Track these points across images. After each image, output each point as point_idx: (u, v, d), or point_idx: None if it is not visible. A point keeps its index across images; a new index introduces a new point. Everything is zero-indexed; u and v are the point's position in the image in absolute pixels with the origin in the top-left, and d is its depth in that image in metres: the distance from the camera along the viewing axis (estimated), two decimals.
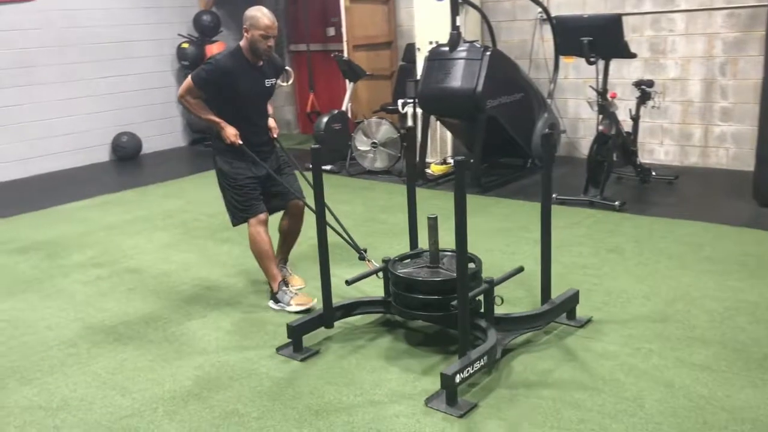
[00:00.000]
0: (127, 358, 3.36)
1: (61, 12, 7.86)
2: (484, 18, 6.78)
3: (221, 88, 3.70)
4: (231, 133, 3.74)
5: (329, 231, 3.44)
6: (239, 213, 3.87)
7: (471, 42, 6.09)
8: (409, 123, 7.26)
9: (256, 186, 3.85)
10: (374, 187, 6.50)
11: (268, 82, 3.86)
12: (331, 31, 9.09)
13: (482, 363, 2.89)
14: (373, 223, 5.32)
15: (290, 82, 8.54)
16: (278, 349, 3.36)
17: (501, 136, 6.19)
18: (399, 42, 8.33)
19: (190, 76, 3.74)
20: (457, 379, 2.76)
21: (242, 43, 3.73)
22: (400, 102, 7.24)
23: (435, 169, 6.72)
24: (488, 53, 5.84)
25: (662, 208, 5.30)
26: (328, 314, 3.35)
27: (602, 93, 5.33)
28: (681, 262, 4.19)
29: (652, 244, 4.54)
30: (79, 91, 8.06)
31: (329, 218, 3.61)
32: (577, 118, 7.12)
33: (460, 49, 5.97)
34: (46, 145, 7.87)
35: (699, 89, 6.33)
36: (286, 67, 8.42)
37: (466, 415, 2.75)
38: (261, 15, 3.64)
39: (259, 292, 4.08)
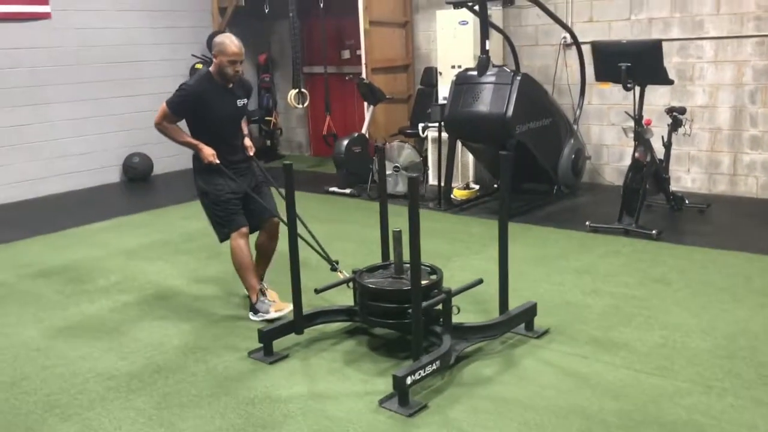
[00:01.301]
0: (170, 393, 3.20)
1: (76, 30, 7.75)
2: (509, 42, 6.73)
3: (195, 111, 3.89)
4: (208, 153, 3.89)
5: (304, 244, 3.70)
6: (222, 229, 4.02)
7: (500, 66, 6.02)
8: (429, 146, 7.17)
9: (237, 201, 4.00)
10: (397, 211, 6.31)
11: (239, 102, 4.03)
12: (346, 54, 9.02)
13: (434, 367, 3.06)
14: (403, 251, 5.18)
15: (305, 104, 8.44)
16: (250, 353, 3.52)
17: (525, 162, 6.09)
18: (416, 65, 8.26)
19: (165, 102, 3.90)
20: (409, 380, 2.94)
21: (212, 68, 3.91)
22: (420, 126, 7.16)
23: (458, 194, 6.61)
24: (519, 78, 5.77)
25: (699, 237, 5.20)
26: (299, 321, 3.53)
27: (638, 120, 5.25)
28: (732, 295, 4.07)
29: (697, 274, 4.43)
30: (91, 111, 7.93)
31: (303, 232, 3.85)
32: (601, 144, 7.04)
33: (489, 73, 5.89)
34: (58, 165, 7.72)
35: (727, 117, 6.28)
36: (302, 89, 8.34)
37: (415, 415, 2.91)
38: (229, 42, 3.81)
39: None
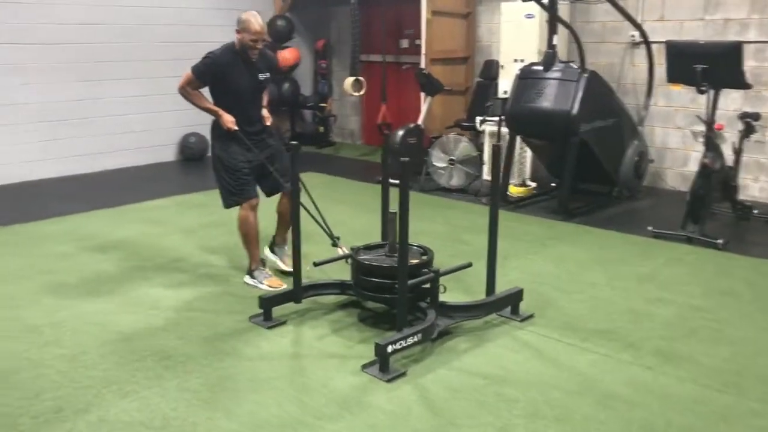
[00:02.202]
0: (225, 376, 3.19)
1: (139, 9, 7.83)
2: (576, 38, 6.52)
3: (218, 79, 4.07)
4: (228, 119, 4.05)
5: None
6: (231, 197, 4.19)
7: (567, 62, 5.87)
8: (486, 141, 7.06)
9: (250, 172, 4.16)
10: (453, 205, 6.29)
11: (261, 76, 4.19)
12: (404, 43, 8.94)
13: (416, 339, 3.29)
14: (457, 245, 5.11)
15: (362, 92, 8.39)
16: (251, 318, 3.76)
17: (587, 162, 5.94)
18: (476, 58, 8.13)
19: (190, 68, 4.07)
20: (390, 349, 3.16)
21: (235, 42, 4.08)
22: (477, 119, 7.05)
23: (514, 190, 6.49)
24: (586, 75, 5.62)
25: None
26: (297, 291, 3.76)
27: (710, 124, 5.05)
28: None
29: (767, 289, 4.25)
30: (150, 89, 8.01)
31: (310, 206, 4.07)
32: (665, 148, 6.83)
33: (554, 68, 5.75)
34: (115, 141, 7.83)
35: None
36: (359, 77, 8.29)
37: (392, 381, 3.12)
38: (253, 20, 4.00)
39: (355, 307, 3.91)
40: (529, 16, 6.70)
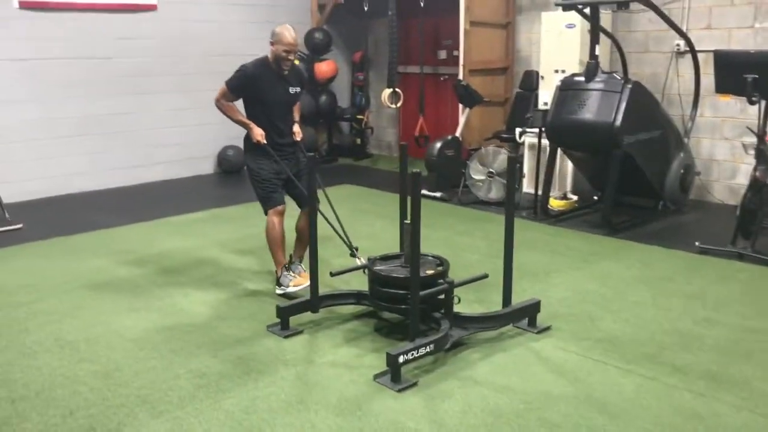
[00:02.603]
0: (260, 396, 3.13)
1: (180, 23, 7.90)
2: (618, 48, 6.40)
3: (249, 92, 4.19)
4: (258, 133, 4.18)
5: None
6: (263, 204, 4.32)
7: (609, 73, 5.72)
8: (525, 152, 6.93)
9: (277, 181, 4.28)
10: (492, 219, 6.16)
11: (291, 90, 4.28)
12: (443, 54, 8.86)
13: (428, 349, 3.29)
14: (499, 261, 4.89)
15: (399, 104, 8.32)
16: (268, 327, 3.81)
17: (630, 175, 5.77)
18: (516, 68, 8.00)
19: (225, 82, 4.20)
20: (401, 359, 3.17)
21: (269, 54, 4.18)
22: (517, 130, 6.92)
23: (554, 204, 6.34)
24: (629, 86, 5.46)
25: None
26: (314, 301, 3.79)
27: (761, 136, 4.86)
28: None
29: None
30: (189, 103, 8.07)
31: (331, 216, 4.24)
32: (712, 160, 6.61)
33: (597, 79, 5.60)
34: (156, 153, 7.89)
35: None
36: (396, 89, 8.23)
37: (403, 391, 3.13)
38: (286, 32, 4.09)
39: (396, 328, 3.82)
40: (570, 26, 6.56)
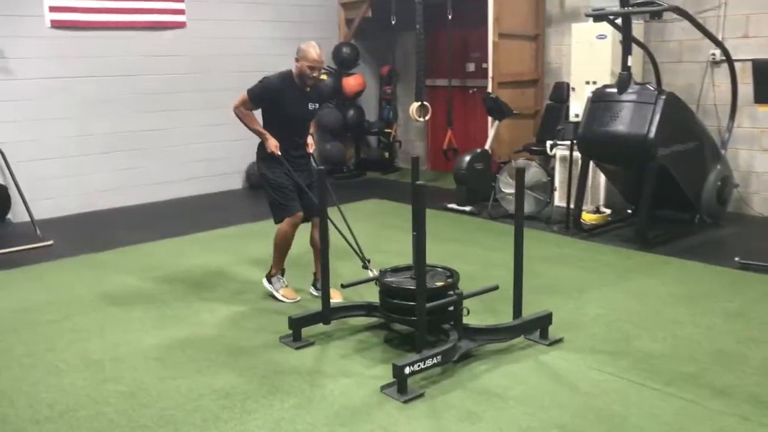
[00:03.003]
0: (285, 418, 3.05)
1: (209, 39, 7.95)
2: (651, 58, 6.26)
3: (270, 103, 4.25)
4: (272, 144, 4.25)
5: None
6: (280, 211, 4.33)
7: (643, 84, 5.58)
8: (556, 165, 6.80)
9: (293, 188, 4.32)
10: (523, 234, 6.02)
11: (311, 106, 4.35)
12: (471, 67, 8.78)
13: (435, 361, 3.28)
14: (531, 277, 4.81)
15: (427, 117, 8.26)
16: (281, 338, 3.83)
17: (664, 187, 5.61)
18: (546, 80, 7.89)
19: (246, 91, 4.27)
20: (407, 370, 3.17)
21: (294, 70, 4.24)
22: (548, 143, 6.80)
23: (587, 218, 6.20)
24: (663, 97, 5.32)
25: None
26: (326, 313, 3.80)
27: None
28: None
29: None
30: (218, 118, 8.06)
31: (344, 228, 4.27)
32: (750, 171, 6.41)
33: (630, 90, 5.47)
34: (186, 169, 7.92)
35: None
36: (424, 102, 8.17)
37: (409, 402, 3.13)
38: (312, 49, 4.15)
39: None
40: (601, 37, 6.44)
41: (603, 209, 6.43)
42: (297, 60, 4.19)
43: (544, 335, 3.76)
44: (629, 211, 6.32)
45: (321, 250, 3.92)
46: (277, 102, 4.22)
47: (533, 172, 6.42)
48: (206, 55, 7.94)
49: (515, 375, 3.40)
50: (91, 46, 7.15)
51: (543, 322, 3.76)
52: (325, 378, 3.41)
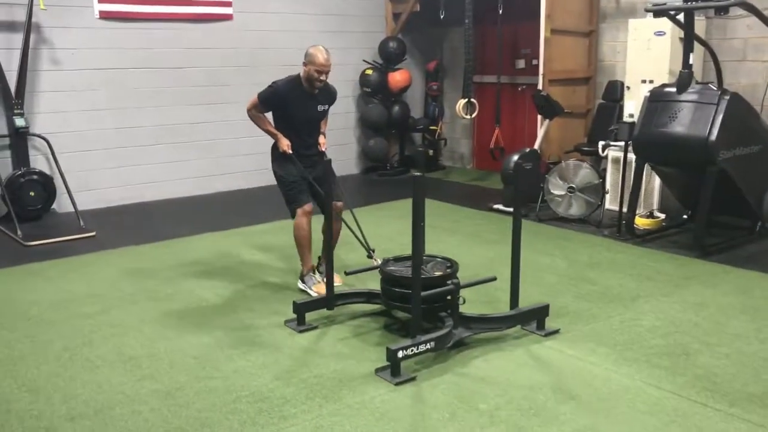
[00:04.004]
0: (323, 426, 2.93)
1: (255, 32, 7.88)
2: (713, 56, 5.94)
3: (279, 107, 4.42)
4: (284, 143, 4.40)
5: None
6: (290, 205, 4.46)
7: (705, 83, 5.31)
8: (608, 167, 6.55)
9: (303, 183, 4.44)
10: (571, 237, 5.82)
11: (320, 108, 4.50)
12: (520, 63, 8.55)
13: (429, 346, 3.40)
14: (582, 284, 4.65)
15: (474, 114, 8.07)
16: (286, 322, 3.98)
17: (723, 192, 5.32)
18: (598, 78, 7.62)
19: (257, 94, 4.42)
20: (400, 354, 3.30)
21: (301, 73, 4.36)
22: (600, 144, 6.54)
23: (640, 222, 5.94)
24: (727, 97, 5.04)
25: None
26: (330, 299, 3.97)
27: None
28: None
29: None
30: None
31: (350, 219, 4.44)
32: None
33: (690, 90, 5.21)
34: (227, 163, 7.88)
35: None
36: (472, 99, 7.98)
37: (401, 384, 3.25)
38: (319, 54, 4.28)
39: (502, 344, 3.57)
40: (660, 34, 6.17)
41: (657, 214, 6.16)
42: (304, 64, 4.32)
43: (540, 326, 3.83)
44: (685, 216, 6.04)
45: (325, 238, 4.14)
46: (285, 105, 4.37)
47: (584, 174, 6.19)
48: (252, 48, 7.88)
49: (507, 364, 3.48)
50: (138, 37, 7.14)
51: (540, 314, 3.84)
52: (321, 357, 3.58)
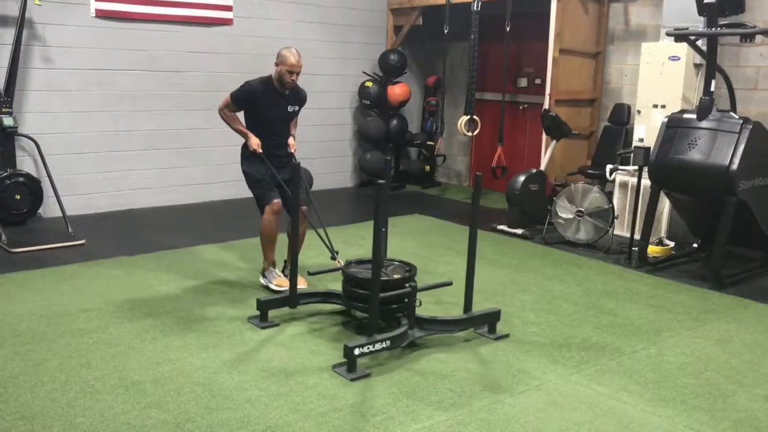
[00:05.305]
0: None
1: (255, 39, 7.65)
2: (728, 84, 5.86)
3: (250, 106, 4.55)
4: (254, 142, 4.54)
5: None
6: (259, 202, 4.61)
7: (725, 111, 5.20)
8: (615, 192, 6.43)
9: (271, 181, 4.58)
10: (581, 263, 5.66)
11: (290, 108, 4.66)
12: (523, 82, 8.42)
13: (384, 345, 3.55)
14: (600, 314, 4.48)
15: (476, 132, 7.91)
16: (249, 319, 4.12)
17: (739, 222, 5.21)
18: (604, 100, 7.52)
19: (230, 94, 4.57)
20: (357, 351, 3.45)
21: (273, 74, 4.52)
22: (608, 167, 6.41)
23: (651, 250, 5.80)
24: (749, 127, 4.94)
25: None
26: (292, 297, 4.12)
27: None
28: None
29: None
30: None
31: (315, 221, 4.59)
32: None
33: (711, 117, 5.10)
34: (224, 171, 7.59)
35: None
36: (474, 116, 7.83)
37: (356, 380, 3.40)
38: (289, 54, 4.44)
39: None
40: (674, 59, 6.08)
41: (666, 241, 6.04)
42: (276, 65, 4.46)
43: (492, 330, 4.03)
44: (695, 245, 5.92)
45: (291, 239, 4.30)
46: (257, 105, 4.51)
47: (593, 198, 6.04)
48: (251, 55, 7.64)
49: (453, 360, 3.69)
50: (135, 38, 6.87)
51: (491, 318, 4.04)
52: (286, 350, 3.75)
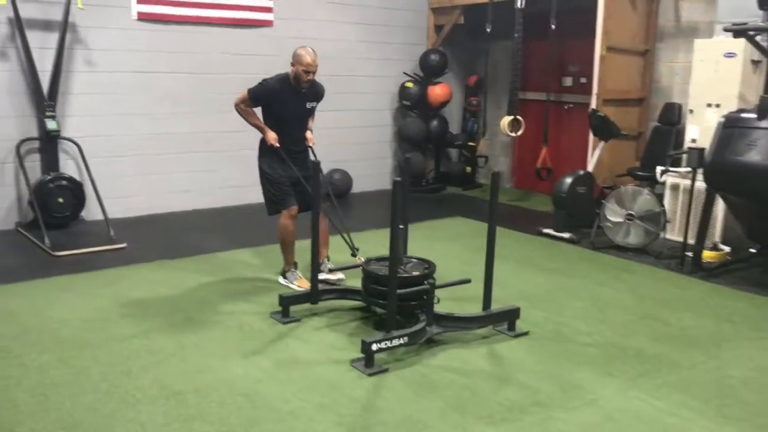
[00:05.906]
0: None
1: (295, 40, 7.48)
2: None
3: (268, 103, 4.61)
4: (271, 137, 4.58)
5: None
6: (274, 205, 4.69)
7: None
8: (666, 194, 6.19)
9: (289, 184, 4.62)
10: (632, 269, 5.45)
11: (308, 105, 4.71)
12: (568, 81, 8.21)
13: (402, 341, 3.57)
14: (655, 324, 4.28)
15: (519, 132, 7.73)
16: (271, 314, 4.18)
17: None
18: (652, 100, 7.27)
19: (247, 90, 4.61)
20: (375, 347, 3.47)
21: (290, 73, 4.58)
22: (659, 169, 6.18)
23: (706, 255, 5.56)
24: None
25: None
26: (314, 293, 4.19)
27: None
28: None
29: None
30: None
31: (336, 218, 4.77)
32: None
33: None
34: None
35: None
36: (517, 117, 7.64)
37: (374, 375, 3.41)
38: (305, 53, 4.50)
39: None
40: (730, 55, 5.82)
41: (721, 246, 5.78)
42: (292, 64, 4.51)
43: (511, 327, 4.03)
44: (752, 250, 5.66)
45: (312, 237, 4.20)
46: (275, 102, 4.56)
47: (644, 200, 5.83)
48: (289, 56, 7.55)
49: (471, 359, 3.67)
50: (175, 41, 6.87)
51: (510, 316, 4.03)
52: (306, 344, 3.82)
